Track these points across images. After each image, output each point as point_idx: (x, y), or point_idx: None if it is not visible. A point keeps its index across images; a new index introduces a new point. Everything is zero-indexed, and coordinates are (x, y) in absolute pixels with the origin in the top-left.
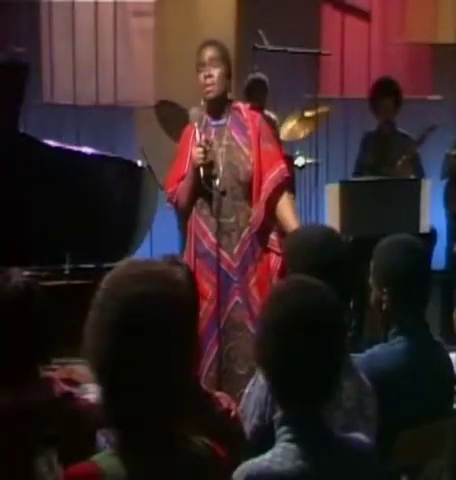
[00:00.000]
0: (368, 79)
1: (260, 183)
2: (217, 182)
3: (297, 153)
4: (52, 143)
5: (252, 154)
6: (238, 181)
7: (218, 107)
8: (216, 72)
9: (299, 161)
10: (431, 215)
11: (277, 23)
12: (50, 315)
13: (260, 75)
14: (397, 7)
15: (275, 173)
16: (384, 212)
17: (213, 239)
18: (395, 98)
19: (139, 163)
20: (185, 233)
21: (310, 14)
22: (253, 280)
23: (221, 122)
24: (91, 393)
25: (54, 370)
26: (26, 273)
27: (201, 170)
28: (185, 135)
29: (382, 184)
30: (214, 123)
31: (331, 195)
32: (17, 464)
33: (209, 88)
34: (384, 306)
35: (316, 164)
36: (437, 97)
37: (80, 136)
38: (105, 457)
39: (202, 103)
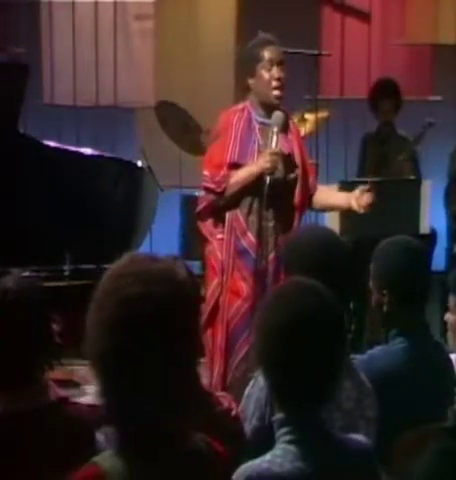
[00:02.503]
0: (368, 80)
1: (303, 193)
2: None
3: None
4: (52, 144)
5: (296, 160)
6: (278, 184)
7: (273, 109)
8: (283, 76)
9: None
10: (431, 216)
11: (277, 24)
12: (49, 316)
13: None
14: (397, 8)
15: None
16: (384, 213)
17: (252, 238)
18: (395, 99)
19: (139, 163)
20: (208, 215)
21: (310, 15)
22: None
23: (266, 121)
24: (90, 394)
25: (53, 371)
26: (26, 274)
27: (268, 179)
28: (226, 120)
29: (382, 185)
30: (260, 120)
31: None
32: (13, 469)
33: (280, 92)
34: (384, 308)
35: (316, 165)
36: (437, 98)
37: (80, 137)
38: (106, 458)
39: (251, 98)
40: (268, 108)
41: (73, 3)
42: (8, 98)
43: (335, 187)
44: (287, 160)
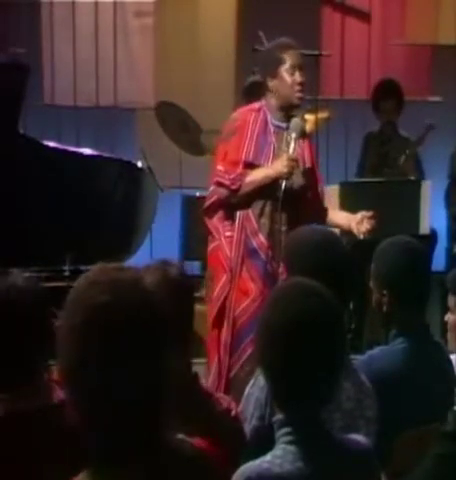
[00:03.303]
0: (368, 80)
1: (313, 199)
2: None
3: None
4: (52, 144)
5: (307, 166)
6: (292, 190)
7: (291, 111)
8: (304, 80)
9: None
10: (431, 216)
11: (277, 24)
12: (50, 317)
13: (259, 77)
14: (397, 8)
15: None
16: (384, 213)
17: (263, 239)
18: (397, 99)
19: (139, 164)
20: (215, 213)
21: (310, 15)
22: None
23: (282, 125)
24: None
25: (52, 372)
26: (26, 274)
27: (284, 183)
28: (243, 118)
29: (382, 185)
30: (275, 123)
31: (331, 196)
32: (13, 470)
33: (301, 95)
34: (384, 308)
35: None
36: (437, 98)
37: (80, 137)
38: (86, 475)
39: (268, 100)
40: (286, 110)
41: (73, 3)
42: (8, 98)
43: (336, 188)
44: (303, 168)
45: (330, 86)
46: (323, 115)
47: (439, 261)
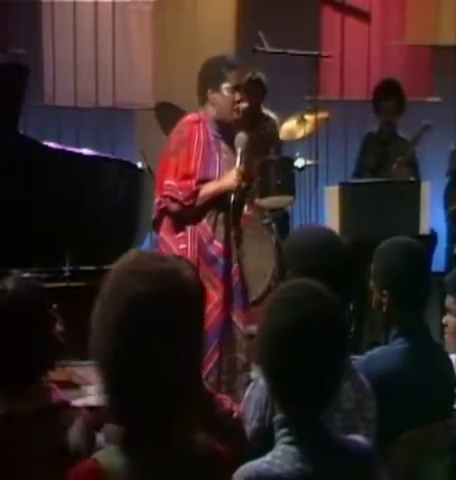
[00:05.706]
0: (368, 81)
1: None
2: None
3: (297, 154)
4: (52, 145)
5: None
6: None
7: (227, 129)
8: (242, 100)
9: (299, 162)
10: (431, 217)
11: (277, 25)
12: (50, 317)
13: (258, 74)
14: (397, 8)
15: None
16: (384, 214)
17: (220, 245)
18: (397, 100)
19: (139, 165)
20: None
21: (310, 16)
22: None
23: (219, 135)
24: (90, 395)
25: (54, 373)
26: (26, 275)
27: (232, 196)
28: (189, 129)
29: (382, 186)
30: (214, 132)
31: (331, 197)
32: (11, 471)
33: (237, 116)
34: (384, 308)
35: (316, 166)
36: (437, 99)
37: (80, 138)
38: (107, 454)
39: (207, 110)
40: (222, 123)
41: (74, 4)
42: (8, 99)
43: (336, 188)
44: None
45: (330, 87)
46: (323, 115)
47: (439, 262)
